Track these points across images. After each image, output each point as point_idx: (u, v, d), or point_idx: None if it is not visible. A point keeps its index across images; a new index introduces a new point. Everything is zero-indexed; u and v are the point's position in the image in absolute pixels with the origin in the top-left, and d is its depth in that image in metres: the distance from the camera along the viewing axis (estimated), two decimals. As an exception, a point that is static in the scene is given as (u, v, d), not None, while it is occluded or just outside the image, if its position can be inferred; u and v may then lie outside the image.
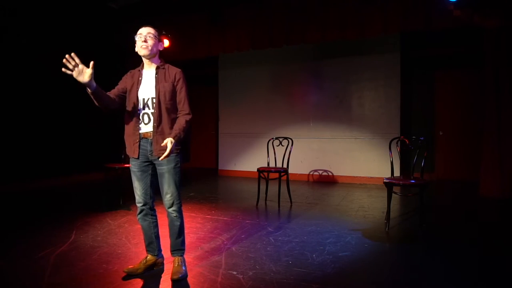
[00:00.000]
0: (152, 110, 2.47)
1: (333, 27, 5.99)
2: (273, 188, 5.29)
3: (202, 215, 4.31)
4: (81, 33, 6.79)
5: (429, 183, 3.84)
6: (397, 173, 5.63)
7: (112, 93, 2.55)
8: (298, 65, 7.65)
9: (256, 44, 6.64)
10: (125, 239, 3.36)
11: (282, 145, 5.19)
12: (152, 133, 2.46)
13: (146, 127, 2.49)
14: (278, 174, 4.93)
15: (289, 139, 5.11)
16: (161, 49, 2.58)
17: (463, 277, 2.52)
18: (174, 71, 2.54)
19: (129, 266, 2.58)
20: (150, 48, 2.48)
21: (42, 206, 4.92)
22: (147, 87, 2.51)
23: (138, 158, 2.51)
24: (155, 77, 2.51)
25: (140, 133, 2.50)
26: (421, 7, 5.34)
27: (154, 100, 2.47)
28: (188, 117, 2.49)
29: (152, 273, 2.59)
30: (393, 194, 3.83)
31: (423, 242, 3.39)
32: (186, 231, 2.86)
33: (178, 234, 2.59)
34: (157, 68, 2.54)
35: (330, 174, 7.32)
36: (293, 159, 6.16)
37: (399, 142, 4.22)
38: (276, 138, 5.26)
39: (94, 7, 6.65)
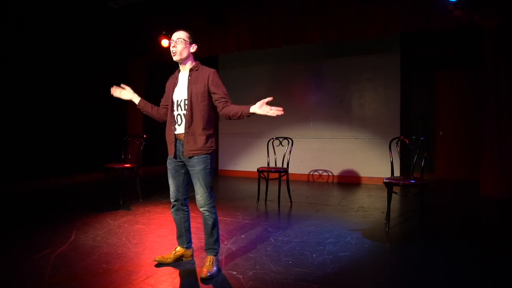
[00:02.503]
0: (185, 112, 2.56)
1: (333, 27, 5.99)
2: (273, 188, 5.29)
3: (202, 215, 4.31)
4: (82, 33, 6.79)
5: (429, 183, 3.84)
6: (397, 173, 5.63)
7: (163, 103, 2.77)
8: (298, 65, 7.65)
9: (256, 44, 6.64)
10: (125, 239, 3.36)
11: (282, 145, 5.19)
12: (184, 134, 2.55)
13: (180, 128, 2.59)
14: (278, 174, 4.93)
15: (289, 139, 5.11)
16: (193, 51, 2.62)
17: (463, 277, 2.52)
18: (207, 73, 2.58)
19: (160, 255, 2.77)
20: (179, 53, 2.55)
21: (42, 206, 4.92)
22: (181, 89, 2.60)
23: (175, 158, 2.64)
24: (188, 79, 2.58)
25: (175, 134, 2.61)
26: (421, 7, 5.34)
27: (186, 102, 2.56)
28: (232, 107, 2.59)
29: (161, 269, 2.58)
30: (393, 194, 3.83)
31: (423, 242, 3.39)
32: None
33: (211, 233, 2.61)
34: (191, 71, 2.60)
35: (330, 174, 7.32)
36: (293, 159, 6.17)
37: (399, 142, 4.22)
38: (276, 138, 5.26)
39: (94, 7, 6.64)
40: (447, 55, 7.08)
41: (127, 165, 5.01)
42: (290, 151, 5.03)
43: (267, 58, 7.82)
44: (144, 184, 5.48)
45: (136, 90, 2.63)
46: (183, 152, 2.57)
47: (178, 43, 2.53)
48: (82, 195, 5.75)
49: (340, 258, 2.89)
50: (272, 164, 5.28)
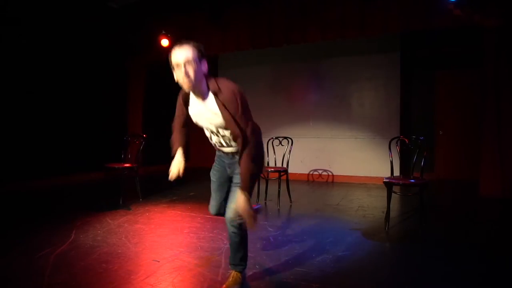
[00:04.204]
0: (224, 134, 2.18)
1: (333, 27, 5.98)
2: (273, 187, 5.29)
3: (202, 214, 4.31)
4: (81, 32, 6.79)
5: (429, 183, 3.83)
6: (397, 172, 5.62)
7: (181, 122, 2.35)
8: (298, 65, 7.65)
9: (256, 43, 6.64)
10: (125, 238, 3.36)
11: (282, 145, 5.19)
12: (233, 154, 2.25)
13: (227, 149, 2.27)
14: (278, 174, 4.93)
15: (289, 139, 5.11)
16: (204, 70, 2.03)
17: (463, 277, 2.52)
18: (230, 93, 2.02)
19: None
20: (193, 80, 1.98)
21: (42, 206, 4.92)
22: (209, 117, 2.13)
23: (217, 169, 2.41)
24: (216, 105, 2.06)
25: (220, 150, 2.34)
26: (421, 6, 5.34)
27: (223, 128, 2.14)
28: (252, 147, 2.07)
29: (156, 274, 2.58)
30: (393, 193, 3.83)
31: (423, 241, 3.39)
32: (186, 230, 2.86)
33: (237, 250, 2.31)
34: (215, 95, 2.05)
35: (330, 173, 7.32)
36: (293, 158, 6.16)
37: (399, 142, 4.22)
38: (276, 138, 5.26)
39: (94, 6, 6.64)
40: (447, 54, 7.08)
41: (127, 165, 5.01)
42: (290, 151, 5.03)
43: (267, 58, 7.81)
44: (144, 184, 5.49)
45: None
46: (229, 164, 2.32)
47: (189, 67, 1.95)
48: (82, 194, 5.75)
49: (339, 258, 2.89)
50: (272, 164, 5.28)
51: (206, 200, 5.33)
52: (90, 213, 4.32)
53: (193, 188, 6.21)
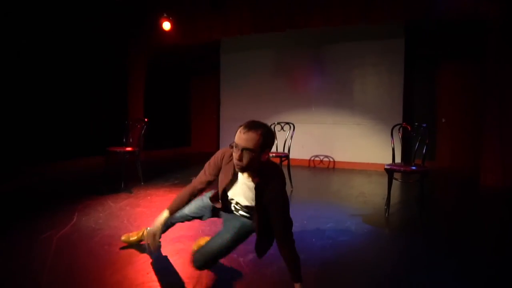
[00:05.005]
0: (245, 207, 2.19)
1: (337, 12, 5.91)
2: (274, 173, 5.29)
3: (203, 199, 4.33)
4: (82, 17, 6.70)
5: (430, 170, 3.84)
6: (398, 159, 5.61)
7: (202, 182, 2.23)
8: (301, 50, 7.59)
9: (258, 28, 6.56)
10: (127, 221, 3.39)
11: (284, 130, 5.18)
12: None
13: (235, 212, 2.29)
14: (279, 159, 4.94)
15: (290, 124, 5.10)
16: (262, 160, 1.92)
17: (463, 264, 2.55)
18: (274, 191, 1.98)
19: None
20: (244, 166, 1.89)
21: (44, 189, 4.95)
22: (243, 193, 2.11)
23: None
24: (254, 193, 2.02)
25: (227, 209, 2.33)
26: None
27: (252, 211, 2.14)
28: (294, 246, 2.09)
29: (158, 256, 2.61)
30: (393, 180, 3.83)
31: (422, 228, 3.41)
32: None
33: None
34: (258, 185, 1.98)
35: (331, 159, 7.33)
36: (295, 144, 6.16)
37: (401, 129, 4.20)
38: (278, 123, 5.25)
39: (94, 1, 6.55)
40: (451, 43, 6.99)
41: (129, 149, 5.02)
42: (291, 136, 5.03)
43: (270, 43, 7.74)
44: (145, 168, 5.50)
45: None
46: None
47: (245, 155, 1.86)
48: (84, 178, 5.78)
49: (339, 243, 2.91)
50: (273, 149, 5.27)
51: (207, 184, 5.29)
52: (92, 196, 4.35)
53: (194, 172, 6.20)
